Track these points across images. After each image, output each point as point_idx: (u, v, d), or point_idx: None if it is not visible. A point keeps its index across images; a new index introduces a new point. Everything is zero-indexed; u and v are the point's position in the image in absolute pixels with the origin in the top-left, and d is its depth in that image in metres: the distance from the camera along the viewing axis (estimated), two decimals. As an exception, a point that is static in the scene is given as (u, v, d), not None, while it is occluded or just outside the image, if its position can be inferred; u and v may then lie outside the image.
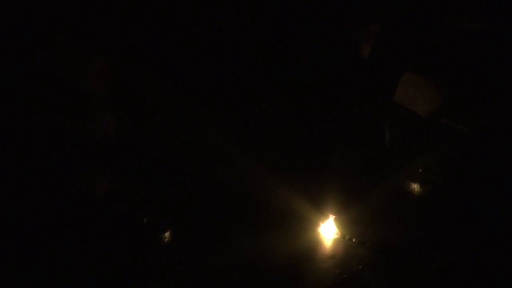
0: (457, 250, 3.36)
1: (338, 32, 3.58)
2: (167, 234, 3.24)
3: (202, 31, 3.38)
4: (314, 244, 3.37)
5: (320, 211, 3.44)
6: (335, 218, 3.43)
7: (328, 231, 3.41)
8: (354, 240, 3.34)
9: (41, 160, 2.89)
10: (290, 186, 3.43)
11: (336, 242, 3.38)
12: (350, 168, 3.50)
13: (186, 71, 3.40)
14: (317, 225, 3.43)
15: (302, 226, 3.41)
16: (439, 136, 3.65)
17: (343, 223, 3.43)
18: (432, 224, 3.51)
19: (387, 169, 3.61)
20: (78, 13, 2.90)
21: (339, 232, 3.40)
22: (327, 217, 3.44)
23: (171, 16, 3.25)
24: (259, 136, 3.57)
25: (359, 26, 3.61)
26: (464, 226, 3.47)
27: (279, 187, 3.42)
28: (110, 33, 3.07)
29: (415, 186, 3.72)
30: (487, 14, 3.43)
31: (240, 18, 3.41)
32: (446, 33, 3.56)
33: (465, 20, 3.52)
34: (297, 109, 3.61)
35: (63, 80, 2.73)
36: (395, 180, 3.73)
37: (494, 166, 3.55)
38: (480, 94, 3.51)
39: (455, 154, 3.65)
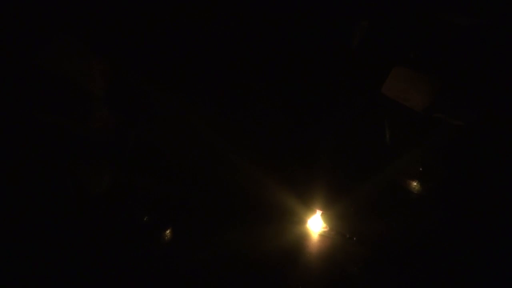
0: (454, 249, 3.22)
1: (332, 29, 3.67)
2: (167, 232, 3.33)
3: (200, 32, 3.59)
4: (302, 238, 3.42)
5: (308, 206, 3.49)
6: (322, 213, 3.46)
7: (315, 225, 3.44)
8: (334, 232, 3.36)
9: (41, 158, 3.01)
10: (280, 182, 3.52)
11: (323, 235, 3.40)
12: (337, 165, 3.55)
13: (184, 72, 3.61)
14: (305, 219, 3.49)
15: (291, 221, 3.48)
16: (437, 133, 3.55)
17: (329, 217, 3.45)
18: (430, 222, 3.40)
19: (380, 166, 3.57)
20: (79, 13, 3.10)
21: (326, 226, 3.42)
22: (314, 212, 3.47)
23: (169, 18, 3.49)
24: (252, 134, 3.71)
25: (351, 22, 3.70)
26: (462, 225, 3.32)
27: (269, 183, 3.52)
28: (110, 33, 3.26)
29: (415, 185, 3.61)
30: (480, 9, 3.39)
31: (237, 18, 3.58)
32: (439, 28, 3.55)
33: (458, 15, 3.49)
34: (287, 108, 3.74)
35: (63, 80, 2.94)
36: (395, 178, 3.66)
37: (492, 164, 3.37)
38: (474, 89, 3.41)
39: (454, 152, 3.51)
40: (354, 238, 3.35)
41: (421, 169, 3.59)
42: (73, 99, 3.08)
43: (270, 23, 3.58)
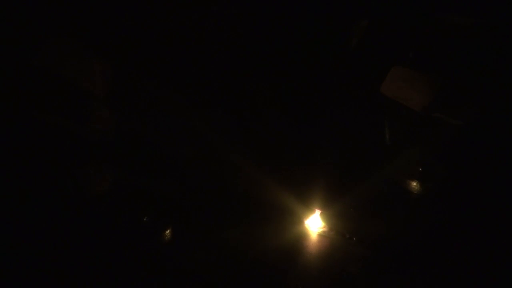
0: (454, 248, 3.21)
1: (331, 28, 3.68)
2: (167, 232, 3.33)
3: (200, 33, 3.62)
4: (301, 237, 3.42)
5: (306, 206, 3.50)
6: (321, 213, 3.47)
7: (314, 225, 3.45)
8: (333, 231, 3.37)
9: (41, 158, 3.01)
10: (279, 182, 3.52)
11: (322, 235, 3.41)
12: (336, 165, 3.56)
13: (184, 72, 3.65)
14: (304, 219, 3.50)
15: (290, 220, 3.48)
16: (436, 133, 3.55)
17: (328, 217, 3.46)
18: (429, 221, 3.39)
19: (379, 166, 3.57)
20: (79, 14, 3.11)
21: (325, 226, 3.43)
22: (313, 211, 3.49)
23: (171, 18, 3.51)
24: (252, 135, 3.73)
25: (351, 22, 3.70)
26: (462, 225, 3.31)
27: (268, 183, 3.53)
28: (110, 34, 3.27)
29: (415, 185, 3.61)
30: (479, 9, 3.39)
31: (238, 18, 3.61)
32: (438, 28, 3.55)
33: (458, 15, 3.49)
34: (287, 108, 3.75)
35: (63, 80, 2.94)
36: (395, 177, 3.66)
37: (492, 163, 3.36)
38: (473, 88, 3.40)
39: (454, 152, 3.51)
40: (354, 238, 3.35)
41: (421, 169, 3.59)
42: (73, 99, 3.08)
43: (270, 23, 3.60)
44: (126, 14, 3.39)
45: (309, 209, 3.50)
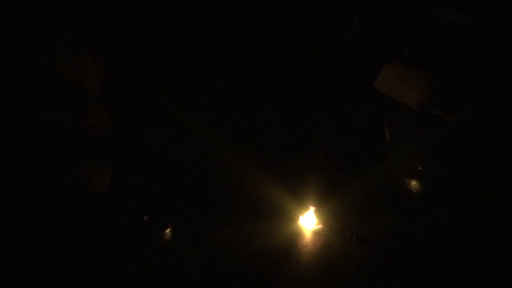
0: (454, 248, 3.08)
1: (325, 25, 3.74)
2: (167, 231, 3.27)
3: (197, 31, 3.69)
4: (294, 234, 3.33)
5: (301, 202, 3.42)
6: (315, 210, 3.38)
7: (309, 222, 3.35)
8: (329, 229, 3.27)
9: (39, 156, 3.00)
10: (272, 179, 3.48)
11: (317, 232, 3.32)
12: (331, 161, 3.51)
13: (178, 70, 3.70)
14: (298, 216, 3.41)
15: (284, 217, 3.41)
16: (434, 130, 3.48)
17: (323, 214, 3.37)
18: (429, 221, 3.28)
19: (374, 163, 3.50)
20: (75, 11, 3.15)
21: (320, 223, 3.33)
22: (307, 208, 3.40)
23: (166, 16, 3.58)
24: (246, 132, 3.73)
25: (345, 18, 3.76)
26: (462, 223, 3.20)
27: (262, 180, 3.49)
28: (107, 31, 3.32)
29: (414, 184, 3.51)
30: (475, 5, 3.42)
31: (233, 16, 3.67)
32: (434, 25, 3.57)
33: (453, 11, 3.52)
34: (282, 105, 3.75)
35: (59, 78, 2.97)
36: (394, 176, 3.58)
37: (491, 160, 3.27)
38: (469, 85, 3.37)
39: (453, 149, 3.43)
40: (354, 237, 3.23)
41: (420, 168, 3.50)
42: (68, 97, 3.10)
43: (263, 21, 3.69)
44: (120, 10, 3.46)
45: (303, 206, 3.41)
